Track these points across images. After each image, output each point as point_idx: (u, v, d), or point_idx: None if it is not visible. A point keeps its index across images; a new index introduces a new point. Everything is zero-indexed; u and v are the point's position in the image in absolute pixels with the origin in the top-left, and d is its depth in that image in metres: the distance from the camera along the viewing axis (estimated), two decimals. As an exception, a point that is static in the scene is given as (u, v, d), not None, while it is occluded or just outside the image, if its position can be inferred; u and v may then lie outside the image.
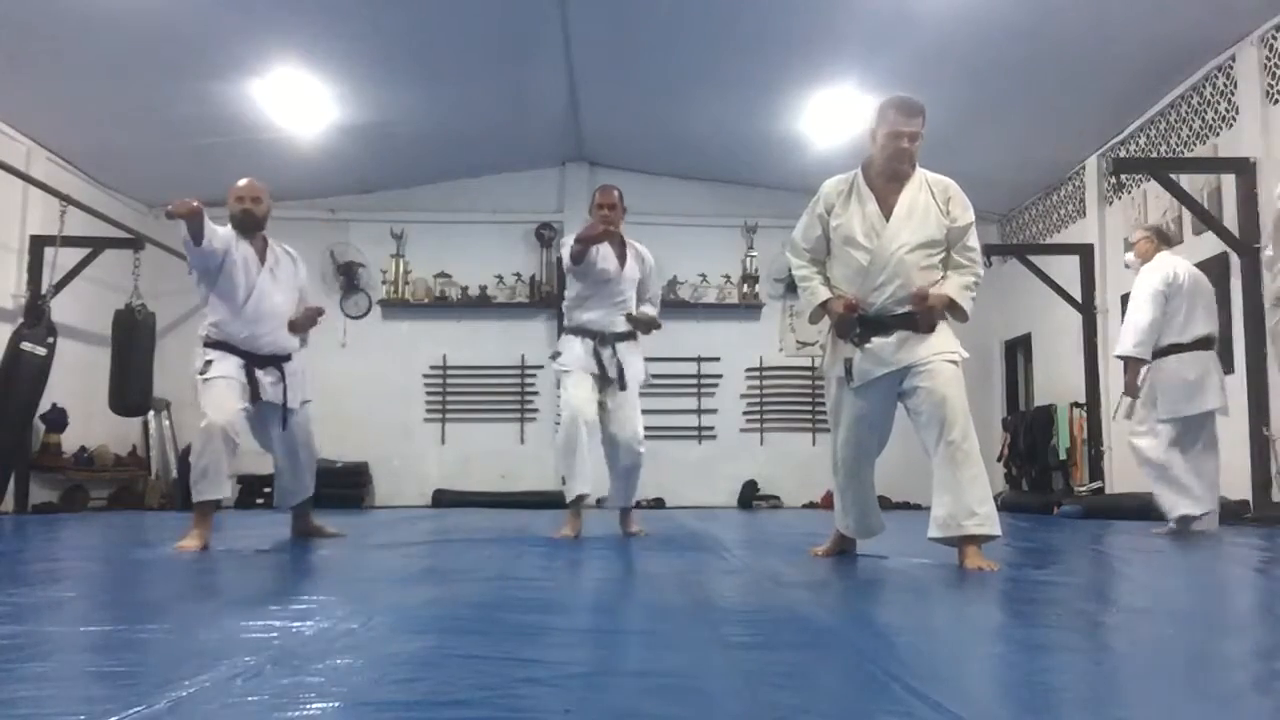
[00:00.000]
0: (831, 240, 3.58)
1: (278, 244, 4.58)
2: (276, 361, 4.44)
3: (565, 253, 4.92)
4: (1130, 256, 5.69)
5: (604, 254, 4.97)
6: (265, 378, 4.39)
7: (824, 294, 3.56)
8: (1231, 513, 6.32)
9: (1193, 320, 5.32)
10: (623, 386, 4.94)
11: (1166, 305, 5.29)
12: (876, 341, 3.48)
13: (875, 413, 3.60)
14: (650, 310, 5.17)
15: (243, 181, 4.53)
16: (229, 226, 4.45)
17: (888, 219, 3.46)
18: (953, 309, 3.46)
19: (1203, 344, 5.33)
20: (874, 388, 3.54)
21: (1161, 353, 5.33)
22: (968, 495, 3.34)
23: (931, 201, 3.46)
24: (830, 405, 3.72)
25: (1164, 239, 5.65)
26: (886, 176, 3.52)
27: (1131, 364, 5.39)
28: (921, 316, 3.41)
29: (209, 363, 4.28)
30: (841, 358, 3.57)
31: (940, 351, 3.46)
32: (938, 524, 3.41)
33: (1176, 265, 5.42)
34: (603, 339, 4.96)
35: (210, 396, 4.22)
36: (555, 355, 5.09)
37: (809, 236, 3.65)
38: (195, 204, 4.08)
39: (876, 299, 3.46)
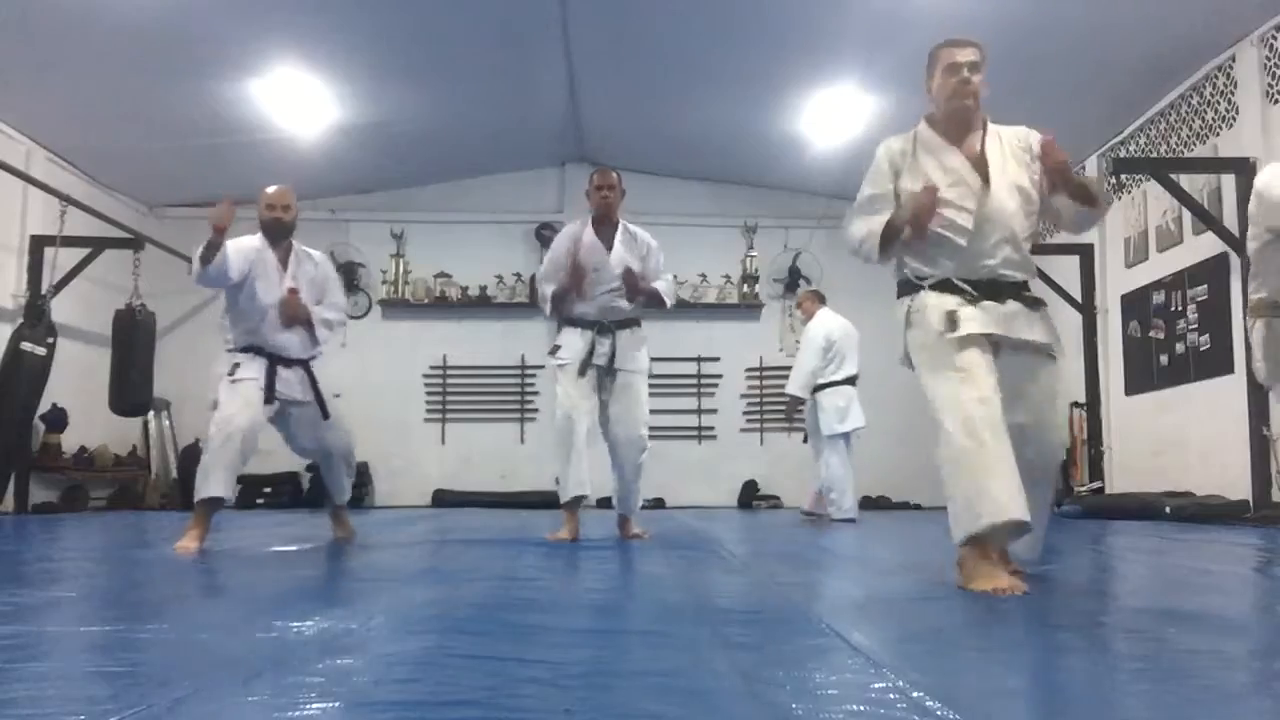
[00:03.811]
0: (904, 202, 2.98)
1: (301, 248, 4.63)
2: (304, 363, 4.54)
3: (546, 284, 4.94)
4: (798, 313, 7.42)
5: (588, 246, 4.85)
6: (292, 376, 4.47)
7: (881, 217, 2.99)
8: (1231, 513, 6.33)
9: (844, 363, 7.03)
10: (610, 374, 4.81)
11: (826, 354, 7.00)
12: (988, 304, 2.88)
13: (991, 363, 2.87)
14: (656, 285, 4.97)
15: (272, 189, 4.56)
16: (257, 235, 4.49)
17: (978, 170, 2.94)
18: (1081, 188, 2.92)
19: (850, 381, 7.05)
20: (979, 341, 2.86)
21: (820, 388, 7.00)
22: (1042, 523, 3.05)
23: (1013, 152, 3.01)
24: (932, 368, 2.90)
25: (820, 299, 7.43)
26: (956, 126, 3.02)
27: (793, 400, 7.16)
28: (1052, 170, 2.88)
29: (237, 365, 4.36)
30: (943, 311, 2.88)
31: (1053, 347, 2.97)
32: (1029, 545, 3.04)
33: (831, 322, 7.15)
34: (601, 328, 4.83)
35: (235, 398, 4.29)
36: (554, 350, 4.93)
37: (877, 192, 3.05)
38: (224, 223, 4.14)
39: (990, 261, 2.91)
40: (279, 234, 4.51)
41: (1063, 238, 9.51)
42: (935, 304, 2.91)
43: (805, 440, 7.49)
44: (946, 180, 2.93)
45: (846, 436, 7.02)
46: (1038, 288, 8.92)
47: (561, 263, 4.86)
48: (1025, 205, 2.96)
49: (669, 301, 4.98)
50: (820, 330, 7.09)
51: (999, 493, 2.69)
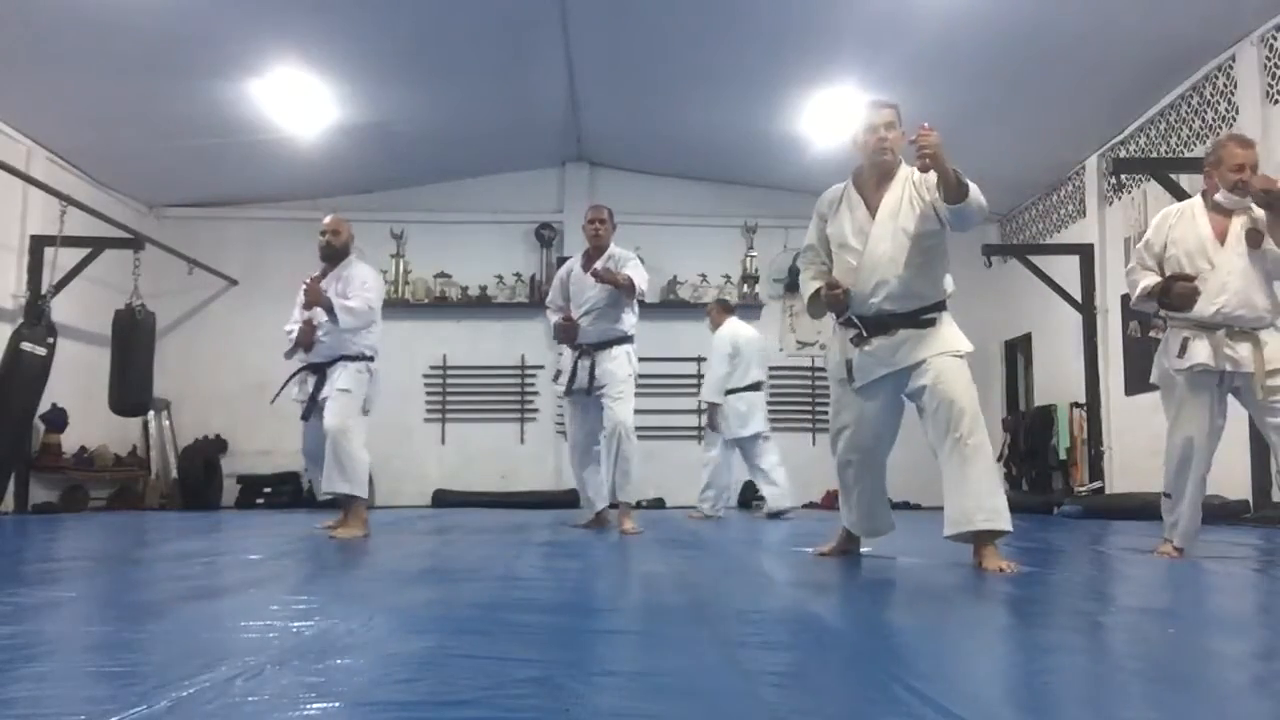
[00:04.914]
0: (831, 248, 3.64)
1: (346, 266, 5.18)
2: (322, 368, 5.06)
3: (549, 312, 5.76)
4: (706, 321, 7.82)
5: (577, 280, 5.51)
6: (310, 380, 5.09)
7: (814, 284, 3.63)
8: (1231, 513, 6.33)
9: (748, 370, 7.42)
10: (588, 393, 5.42)
11: (733, 362, 7.37)
12: (877, 342, 3.49)
13: (879, 413, 3.60)
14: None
15: (326, 218, 5.33)
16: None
17: (874, 220, 3.50)
18: (955, 185, 3.21)
19: (754, 387, 7.45)
20: (877, 388, 3.54)
21: (727, 393, 7.36)
22: (977, 490, 3.32)
23: (914, 193, 3.45)
24: (832, 406, 3.73)
25: (728, 309, 7.79)
26: (875, 178, 3.55)
27: (711, 407, 7.45)
28: (927, 163, 3.18)
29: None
30: (843, 359, 3.58)
31: (944, 350, 3.45)
32: (950, 522, 3.38)
33: (738, 330, 7.56)
34: (583, 350, 5.46)
35: None
36: (557, 375, 5.72)
37: (810, 243, 3.73)
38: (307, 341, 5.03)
39: (874, 300, 3.46)
40: (330, 256, 5.21)
41: (1062, 238, 9.53)
42: (837, 350, 3.64)
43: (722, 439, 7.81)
44: (852, 230, 3.53)
45: (749, 441, 7.44)
46: (1035, 289, 8.95)
47: (557, 293, 5.70)
48: (912, 245, 3.41)
49: (638, 284, 5.32)
50: (727, 338, 7.48)
51: (844, 510, 3.80)
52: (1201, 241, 3.83)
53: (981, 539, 3.34)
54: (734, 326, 7.59)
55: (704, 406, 7.62)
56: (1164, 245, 3.91)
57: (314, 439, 5.11)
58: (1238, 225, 3.82)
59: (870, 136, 3.51)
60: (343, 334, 5.00)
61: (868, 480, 3.72)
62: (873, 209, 3.51)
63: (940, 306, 3.53)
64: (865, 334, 3.51)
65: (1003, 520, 3.32)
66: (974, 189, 3.28)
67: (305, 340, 5.02)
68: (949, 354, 3.45)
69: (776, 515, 7.39)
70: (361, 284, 5.08)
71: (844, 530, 3.85)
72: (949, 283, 3.61)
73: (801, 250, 3.81)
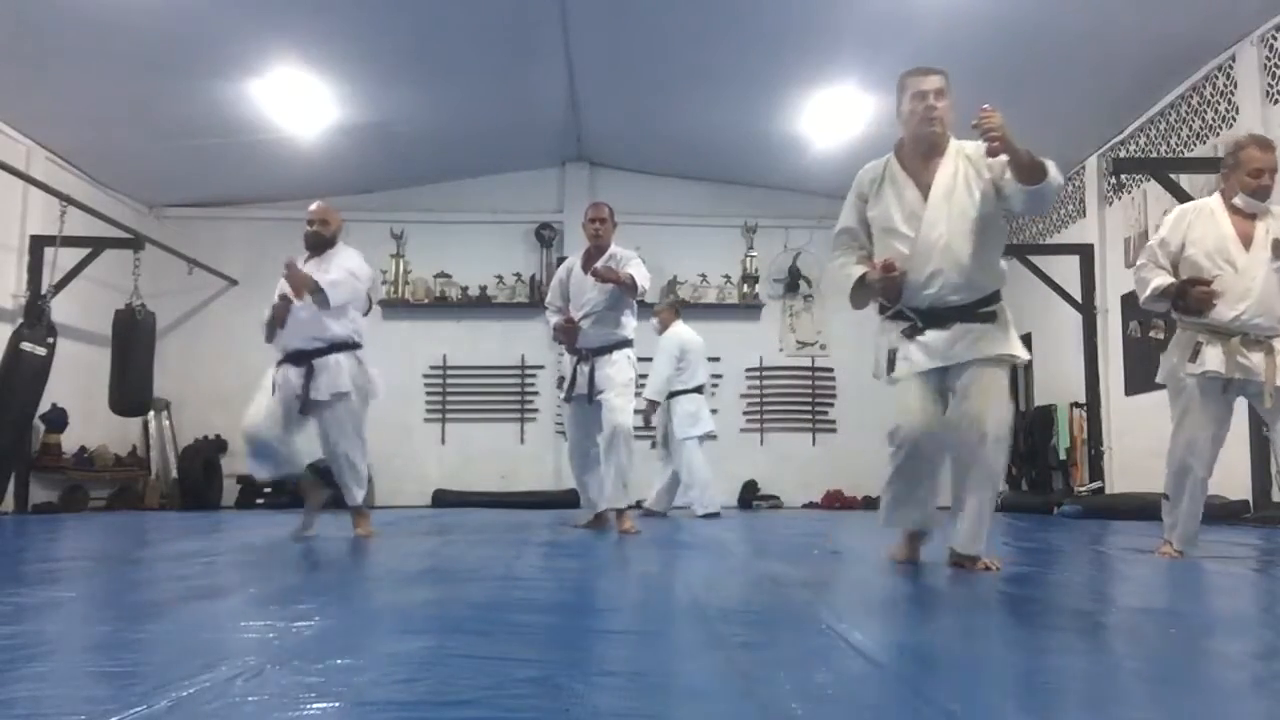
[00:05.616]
0: (872, 232, 3.32)
1: (334, 254, 4.89)
2: (307, 357, 4.73)
3: (551, 316, 5.58)
4: (655, 322, 7.79)
5: (577, 280, 5.40)
6: (293, 373, 4.72)
7: (858, 269, 3.28)
8: (1231, 513, 6.33)
9: (694, 373, 7.60)
10: (590, 400, 5.30)
11: (679, 364, 7.50)
12: (931, 335, 3.19)
13: (933, 400, 3.27)
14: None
15: (312, 205, 5.01)
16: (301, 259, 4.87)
17: (927, 202, 3.18)
18: (1030, 165, 3.01)
19: (698, 390, 7.63)
20: (927, 377, 3.24)
21: (674, 394, 7.51)
22: (985, 516, 3.24)
23: (969, 171, 3.19)
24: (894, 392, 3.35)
25: (676, 312, 7.88)
26: (922, 152, 3.24)
27: (650, 405, 7.43)
28: (997, 146, 2.96)
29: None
30: (885, 348, 3.28)
31: (997, 353, 3.19)
32: (965, 536, 3.25)
33: (684, 334, 7.67)
34: (583, 355, 5.36)
35: (251, 402, 4.78)
36: (560, 381, 5.59)
37: (848, 225, 3.39)
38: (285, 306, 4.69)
39: (928, 292, 3.17)
40: (316, 245, 4.90)
41: (1062, 238, 9.52)
42: (882, 343, 3.31)
43: (654, 446, 7.89)
44: (901, 215, 3.21)
45: (699, 440, 7.57)
46: (1035, 289, 8.91)
47: (556, 293, 5.59)
48: (970, 230, 3.15)
49: (640, 282, 5.16)
50: (675, 340, 7.61)
51: (892, 510, 3.39)
52: (1224, 242, 3.75)
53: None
54: (680, 329, 7.71)
55: (644, 405, 7.41)
56: (1181, 244, 3.80)
57: (321, 436, 4.86)
58: (1261, 229, 3.76)
59: (917, 104, 3.18)
60: (332, 315, 4.71)
61: (936, 469, 3.37)
62: (923, 189, 3.19)
63: (997, 297, 3.26)
64: (919, 326, 3.20)
65: (984, 548, 3.29)
66: (1052, 167, 3.03)
67: (280, 315, 4.72)
68: (1000, 358, 3.20)
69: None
70: (341, 263, 4.81)
71: (906, 534, 3.51)
72: (1004, 267, 3.33)
73: (836, 233, 3.42)
